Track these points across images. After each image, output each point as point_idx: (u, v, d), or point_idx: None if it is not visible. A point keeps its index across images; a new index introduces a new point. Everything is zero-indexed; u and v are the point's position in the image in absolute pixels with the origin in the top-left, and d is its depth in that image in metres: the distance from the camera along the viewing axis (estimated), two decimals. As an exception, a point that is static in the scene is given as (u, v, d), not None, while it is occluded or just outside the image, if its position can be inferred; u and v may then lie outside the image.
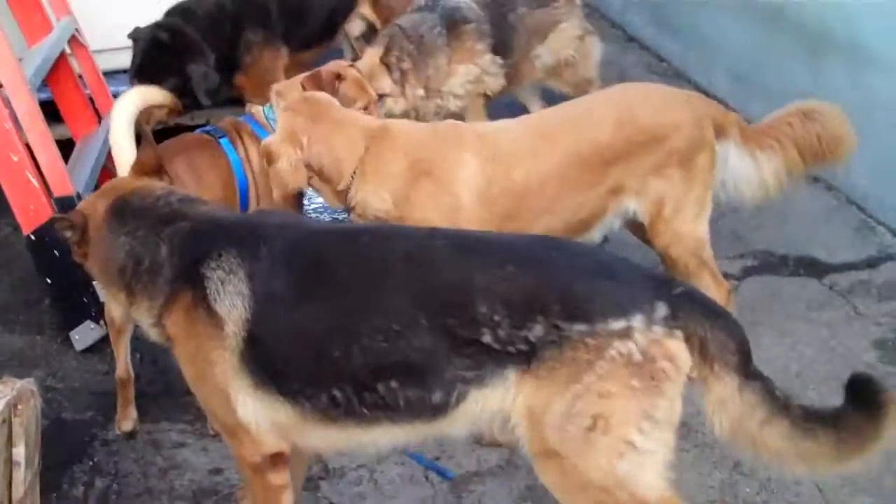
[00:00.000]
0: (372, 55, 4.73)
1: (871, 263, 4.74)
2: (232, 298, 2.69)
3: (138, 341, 4.16)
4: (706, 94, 6.55)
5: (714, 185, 3.93)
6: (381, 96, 4.58)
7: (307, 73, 4.22)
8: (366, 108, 4.15)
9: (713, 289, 3.89)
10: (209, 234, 2.82)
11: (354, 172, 3.65)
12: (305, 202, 4.50)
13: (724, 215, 3.92)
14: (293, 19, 5.51)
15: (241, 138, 4.14)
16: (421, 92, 4.82)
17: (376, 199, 3.65)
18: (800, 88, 5.54)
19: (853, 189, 5.21)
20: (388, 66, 4.69)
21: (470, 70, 4.98)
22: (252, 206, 4.10)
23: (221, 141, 4.09)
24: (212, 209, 2.97)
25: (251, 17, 5.35)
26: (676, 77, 6.98)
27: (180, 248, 2.81)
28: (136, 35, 4.96)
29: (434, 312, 2.54)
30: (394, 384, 2.59)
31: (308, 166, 3.65)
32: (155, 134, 4.49)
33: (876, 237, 4.96)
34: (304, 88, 4.05)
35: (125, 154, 3.68)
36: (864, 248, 4.86)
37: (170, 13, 5.13)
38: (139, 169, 3.11)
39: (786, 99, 5.62)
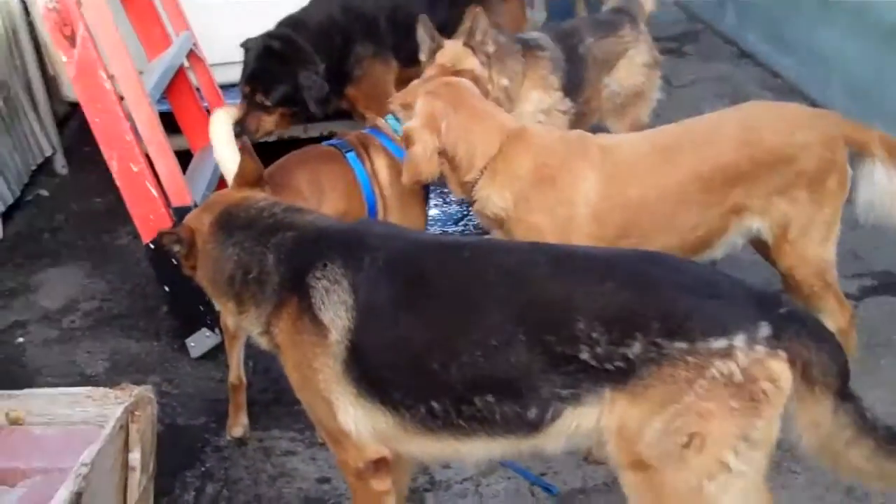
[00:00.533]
0: (454, 43, 4.60)
1: None
2: (336, 308, 2.72)
3: (252, 349, 4.26)
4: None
5: (843, 207, 3.78)
6: None
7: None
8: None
9: (837, 312, 3.79)
10: (315, 243, 2.86)
11: (485, 167, 3.64)
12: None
13: (844, 233, 3.78)
14: (402, 34, 5.43)
15: (367, 152, 4.11)
16: (505, 82, 4.71)
17: (499, 198, 3.64)
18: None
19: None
20: (472, 49, 4.55)
21: (542, 99, 4.83)
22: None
23: (348, 155, 4.06)
24: (316, 218, 3.00)
25: (361, 30, 5.36)
26: (791, 93, 6.85)
27: (287, 257, 2.85)
28: (247, 44, 5.00)
29: (532, 328, 2.54)
30: (490, 399, 2.60)
31: (442, 153, 3.65)
32: (266, 146, 4.61)
33: None
34: None
35: (230, 166, 3.68)
36: None
37: (281, 24, 5.17)
38: (240, 181, 3.17)
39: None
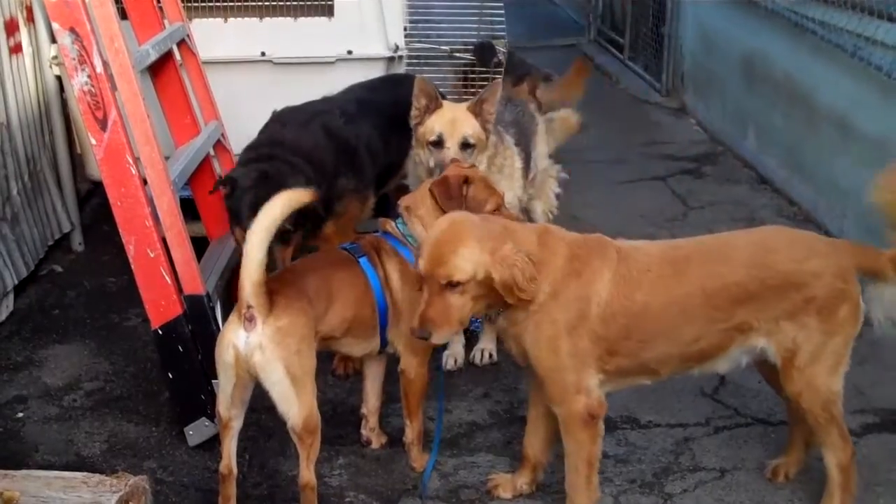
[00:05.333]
0: (455, 106, 4.76)
1: None
2: None
3: (249, 442, 4.26)
4: (836, 241, 6.50)
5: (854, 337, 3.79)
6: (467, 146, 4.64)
7: (435, 179, 4.21)
8: (496, 210, 4.07)
9: (840, 447, 3.77)
10: None
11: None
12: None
13: (848, 369, 3.79)
14: (377, 167, 5.28)
15: (379, 257, 4.10)
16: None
17: (541, 292, 3.59)
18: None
19: None
20: (475, 114, 4.68)
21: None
22: (392, 325, 4.09)
23: (361, 261, 4.07)
24: None
25: (344, 160, 5.05)
26: (806, 221, 6.90)
27: None
28: (233, 179, 4.61)
29: None
30: None
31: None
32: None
33: None
34: (432, 194, 4.08)
35: (255, 254, 3.59)
36: None
37: (262, 145, 4.86)
38: None
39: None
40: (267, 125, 5.06)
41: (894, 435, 4.46)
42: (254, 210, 4.27)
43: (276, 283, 3.76)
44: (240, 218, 4.51)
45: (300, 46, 5.94)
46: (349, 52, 5.95)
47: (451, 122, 4.65)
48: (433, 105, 4.68)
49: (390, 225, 4.20)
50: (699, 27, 9.64)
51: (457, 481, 4.16)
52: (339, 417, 4.59)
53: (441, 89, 5.96)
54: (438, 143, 4.65)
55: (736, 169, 8.12)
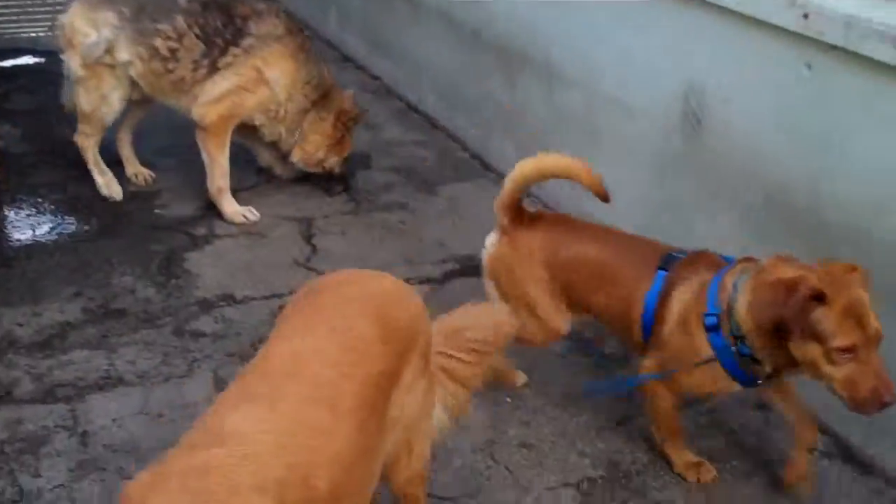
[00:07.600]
0: None
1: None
2: None
3: None
4: (416, 110, 6.86)
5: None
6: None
7: (770, 279, 3.12)
8: (849, 349, 2.94)
9: None
10: None
11: None
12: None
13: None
14: None
15: (685, 280, 3.44)
16: None
17: None
18: (499, 102, 5.87)
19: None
20: None
21: None
22: (656, 345, 3.51)
23: (659, 272, 3.52)
24: None
25: None
26: (388, 93, 7.23)
27: None
28: None
29: None
30: None
31: None
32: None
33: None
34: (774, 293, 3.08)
35: (508, 186, 3.73)
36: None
37: None
38: None
39: (487, 112, 5.97)
40: None
41: (472, 277, 4.80)
42: None
43: (539, 219, 3.85)
44: None
45: None
46: None
47: None
48: None
49: (730, 276, 3.35)
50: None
51: (52, 381, 4.05)
52: None
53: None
54: None
55: (322, 50, 8.24)
